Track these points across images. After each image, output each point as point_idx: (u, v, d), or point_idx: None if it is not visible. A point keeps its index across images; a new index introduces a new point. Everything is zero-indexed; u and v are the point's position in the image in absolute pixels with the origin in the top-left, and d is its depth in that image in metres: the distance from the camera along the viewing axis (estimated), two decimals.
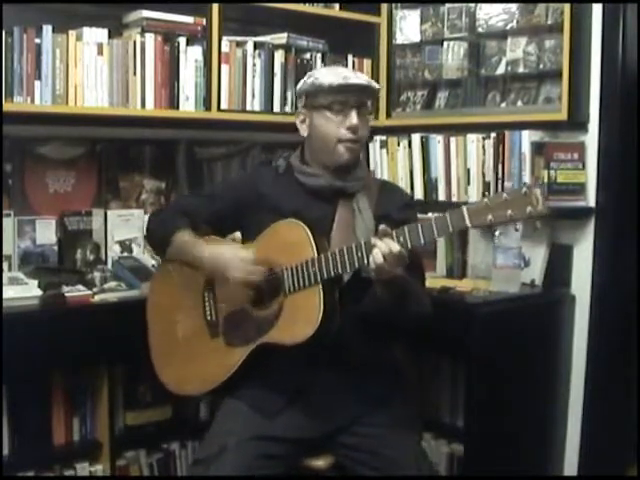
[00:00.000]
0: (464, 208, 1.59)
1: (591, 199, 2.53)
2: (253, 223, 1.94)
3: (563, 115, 2.48)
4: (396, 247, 1.63)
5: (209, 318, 1.98)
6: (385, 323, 1.85)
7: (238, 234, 2.07)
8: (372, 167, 3.03)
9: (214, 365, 1.92)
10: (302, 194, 1.93)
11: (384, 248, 1.63)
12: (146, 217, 2.65)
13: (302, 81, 1.97)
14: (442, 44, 2.90)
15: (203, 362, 1.96)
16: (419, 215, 2.67)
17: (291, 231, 1.84)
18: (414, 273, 1.84)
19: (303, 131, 1.96)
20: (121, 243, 2.62)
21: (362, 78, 1.90)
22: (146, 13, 2.46)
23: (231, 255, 1.87)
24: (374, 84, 1.92)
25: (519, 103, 2.68)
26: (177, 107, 2.54)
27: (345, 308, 1.80)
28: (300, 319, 1.78)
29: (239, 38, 2.68)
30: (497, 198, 1.56)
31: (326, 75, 1.88)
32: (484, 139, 2.68)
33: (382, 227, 1.67)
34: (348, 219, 1.89)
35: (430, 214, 2.74)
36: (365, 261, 1.69)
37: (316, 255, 1.77)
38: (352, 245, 1.72)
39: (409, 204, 2.04)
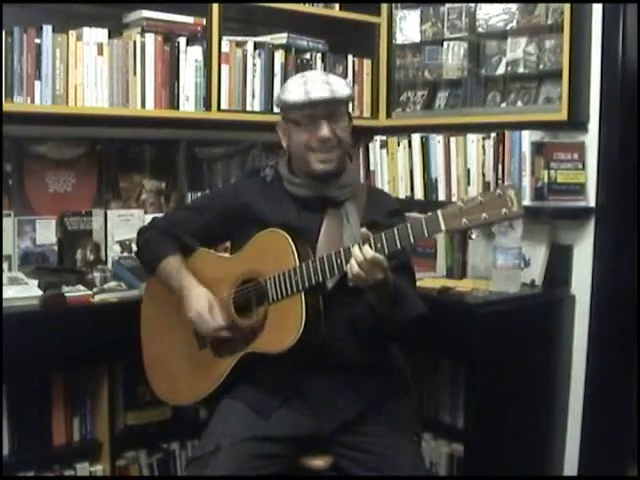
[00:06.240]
0: (439, 212, 1.59)
1: (591, 199, 2.53)
2: (241, 234, 1.95)
3: (563, 115, 2.48)
4: (370, 253, 1.62)
5: None
6: (377, 329, 1.84)
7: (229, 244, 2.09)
8: (372, 167, 3.03)
9: (202, 376, 1.95)
10: (290, 203, 1.94)
11: (359, 256, 1.63)
12: (146, 217, 2.66)
13: (277, 93, 1.97)
14: (442, 44, 2.90)
15: (192, 373, 1.98)
16: (419, 215, 2.71)
17: (273, 240, 1.85)
18: (402, 273, 1.84)
19: (283, 142, 1.97)
20: (121, 243, 2.61)
21: (326, 89, 1.84)
22: (146, 13, 2.47)
23: (199, 309, 1.89)
24: (340, 93, 1.85)
25: (519, 103, 2.68)
26: (177, 107, 2.54)
27: (333, 314, 1.80)
28: (283, 328, 1.79)
29: (239, 38, 2.68)
30: (472, 201, 1.56)
31: (291, 91, 1.87)
32: (484, 139, 2.68)
33: (363, 230, 1.66)
34: (335, 228, 1.89)
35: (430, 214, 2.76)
36: (345, 268, 1.69)
37: (297, 264, 1.78)
38: (332, 253, 1.73)
39: (397, 210, 2.03)
